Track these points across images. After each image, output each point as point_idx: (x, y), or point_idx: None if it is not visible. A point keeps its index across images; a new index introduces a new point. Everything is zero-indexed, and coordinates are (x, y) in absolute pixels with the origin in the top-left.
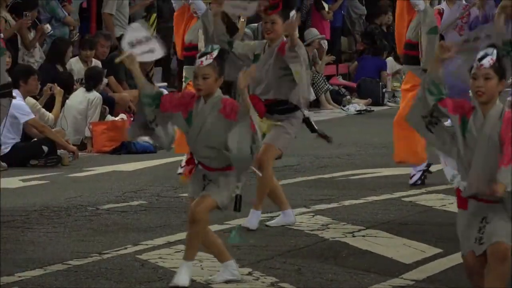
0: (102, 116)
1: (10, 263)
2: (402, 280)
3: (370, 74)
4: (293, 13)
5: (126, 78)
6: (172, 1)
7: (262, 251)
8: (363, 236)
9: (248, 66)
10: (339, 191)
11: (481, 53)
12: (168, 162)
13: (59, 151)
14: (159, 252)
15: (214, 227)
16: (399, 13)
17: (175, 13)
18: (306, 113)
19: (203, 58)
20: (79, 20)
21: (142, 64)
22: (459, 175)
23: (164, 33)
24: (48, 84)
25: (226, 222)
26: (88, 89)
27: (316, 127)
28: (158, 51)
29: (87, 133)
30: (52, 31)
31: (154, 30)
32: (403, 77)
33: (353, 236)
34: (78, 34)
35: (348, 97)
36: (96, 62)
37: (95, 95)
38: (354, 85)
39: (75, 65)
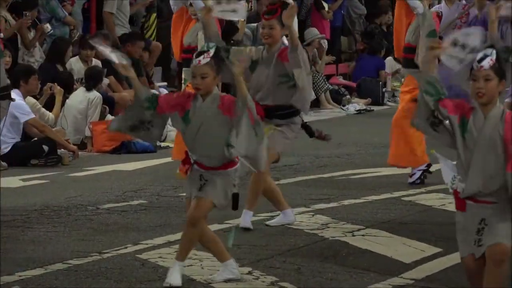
0: (102, 116)
1: (10, 262)
2: (402, 279)
3: (369, 73)
4: (291, 2)
5: (126, 79)
6: (171, 3)
7: (262, 250)
8: (363, 235)
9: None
10: (339, 191)
11: (480, 54)
12: (168, 162)
13: (59, 151)
14: (159, 251)
15: (214, 227)
16: (397, 16)
17: (173, 15)
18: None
19: (201, 57)
20: (82, 20)
21: (144, 66)
22: (458, 177)
23: (164, 33)
24: (48, 83)
25: (226, 222)
26: (88, 89)
27: (314, 130)
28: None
29: (87, 133)
30: (52, 31)
31: (154, 30)
32: (403, 80)
33: (353, 236)
34: (78, 33)
35: (348, 96)
36: (96, 62)
37: (95, 94)
38: (354, 84)
39: (75, 64)
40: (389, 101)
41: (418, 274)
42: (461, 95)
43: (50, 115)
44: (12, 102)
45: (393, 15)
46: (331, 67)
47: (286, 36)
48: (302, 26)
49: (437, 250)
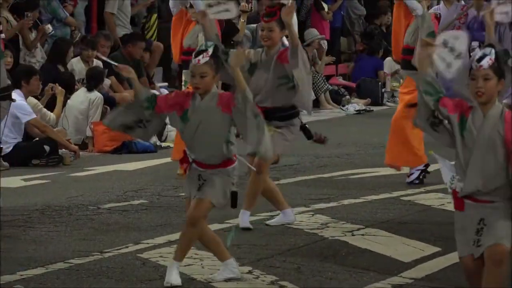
0: (103, 116)
1: (12, 262)
2: (401, 279)
3: (367, 73)
4: (289, 2)
5: (127, 79)
6: (170, 6)
7: (262, 250)
8: (363, 235)
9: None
10: (339, 191)
11: (479, 54)
12: (169, 162)
13: (61, 151)
14: (160, 250)
15: (214, 226)
16: (396, 18)
17: (173, 18)
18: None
19: (200, 57)
20: (85, 21)
21: (145, 67)
22: (457, 177)
23: (164, 33)
24: (50, 84)
25: (226, 221)
26: (89, 89)
27: (313, 133)
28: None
29: (88, 133)
30: (53, 32)
31: (154, 30)
32: (402, 80)
33: (353, 235)
34: (80, 34)
35: (348, 97)
36: (97, 62)
37: (96, 95)
38: (353, 85)
39: (76, 65)
40: (388, 101)
41: (417, 273)
42: (458, 95)
43: (52, 115)
44: (13, 103)
45: (392, 16)
46: (331, 67)
47: (287, 37)
48: (302, 27)
49: (436, 249)
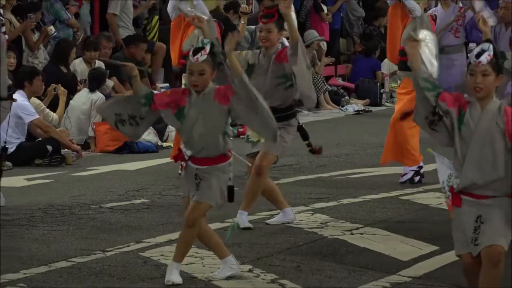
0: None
1: (15, 260)
2: (400, 277)
3: (365, 74)
4: None
5: (128, 79)
6: (169, 11)
7: (262, 248)
8: (361, 234)
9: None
10: (338, 190)
11: (477, 49)
12: (170, 161)
13: (63, 151)
14: (161, 249)
15: (215, 225)
16: (393, 20)
17: (171, 23)
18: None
19: (198, 55)
20: (91, 22)
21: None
22: (454, 174)
23: (165, 35)
24: (52, 84)
25: (227, 220)
26: (92, 90)
27: (310, 141)
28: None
29: (91, 133)
30: (56, 33)
31: (156, 32)
32: (399, 81)
33: (352, 234)
34: (82, 35)
35: (347, 97)
36: (99, 63)
37: (98, 95)
38: (352, 85)
39: (78, 66)
40: (387, 102)
41: (415, 271)
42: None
43: (54, 115)
44: (17, 103)
45: None
46: (330, 68)
47: (287, 38)
48: (302, 28)
49: (434, 248)
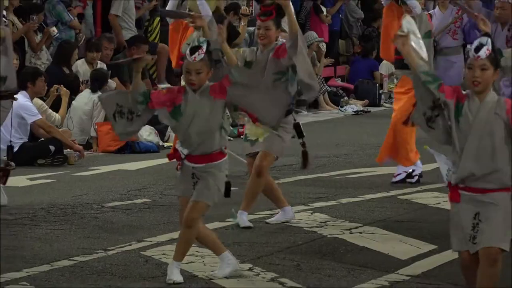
0: (107, 117)
1: (18, 259)
2: (398, 276)
3: (363, 75)
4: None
5: (130, 80)
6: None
7: (262, 247)
8: (360, 233)
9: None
10: (337, 190)
11: (475, 43)
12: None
13: (66, 151)
14: (163, 248)
15: (215, 224)
16: (390, 19)
17: (169, 27)
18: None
19: (196, 54)
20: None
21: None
22: (453, 169)
23: (166, 36)
24: (55, 85)
25: (227, 220)
26: (94, 91)
27: (304, 135)
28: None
29: (93, 133)
30: (58, 34)
31: (157, 33)
32: (395, 81)
33: (351, 233)
34: (84, 37)
35: (346, 98)
36: (101, 64)
37: None
38: (351, 86)
39: (81, 67)
40: (385, 102)
41: (414, 270)
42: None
43: (57, 116)
44: (19, 104)
45: None
46: (329, 69)
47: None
48: (301, 30)
49: (432, 247)
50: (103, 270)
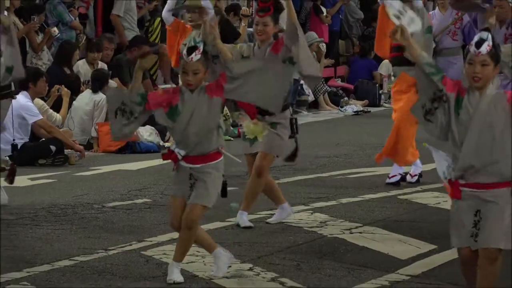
0: (108, 116)
1: (19, 259)
2: (398, 275)
3: (362, 75)
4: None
5: (130, 80)
6: (164, 17)
7: (262, 247)
8: (360, 233)
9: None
10: (337, 190)
11: (476, 38)
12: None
13: (66, 151)
14: (163, 248)
15: (215, 224)
16: (383, 20)
17: (167, 29)
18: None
19: (193, 55)
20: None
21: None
22: (452, 166)
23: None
24: (56, 85)
25: (227, 220)
26: (94, 91)
27: (298, 131)
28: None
29: (93, 133)
30: (59, 35)
31: (158, 33)
32: (393, 78)
33: (351, 233)
34: (85, 37)
35: (346, 98)
36: (102, 65)
37: (101, 96)
38: (351, 86)
39: (81, 67)
40: (385, 102)
41: (413, 270)
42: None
43: (58, 116)
44: (20, 104)
45: None
46: (329, 69)
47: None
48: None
49: (432, 247)
50: (104, 270)
